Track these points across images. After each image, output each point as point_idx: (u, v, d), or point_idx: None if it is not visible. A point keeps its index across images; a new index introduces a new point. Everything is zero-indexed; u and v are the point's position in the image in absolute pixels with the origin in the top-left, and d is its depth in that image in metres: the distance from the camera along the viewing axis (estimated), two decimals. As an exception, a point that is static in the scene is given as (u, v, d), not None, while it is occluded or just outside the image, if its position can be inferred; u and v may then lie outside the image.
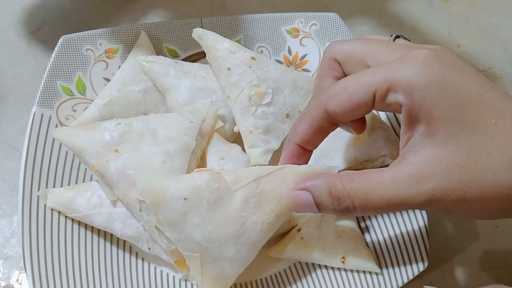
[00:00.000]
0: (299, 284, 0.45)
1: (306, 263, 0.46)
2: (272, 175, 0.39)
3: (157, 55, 0.53)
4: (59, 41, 0.50)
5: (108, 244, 0.46)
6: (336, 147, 0.48)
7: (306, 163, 0.41)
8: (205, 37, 0.50)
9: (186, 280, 0.45)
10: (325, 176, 0.36)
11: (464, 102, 0.31)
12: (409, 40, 0.43)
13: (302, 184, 0.37)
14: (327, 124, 0.38)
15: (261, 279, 0.46)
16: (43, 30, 0.62)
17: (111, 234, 0.46)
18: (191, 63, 0.52)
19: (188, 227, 0.38)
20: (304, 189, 0.36)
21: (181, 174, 0.40)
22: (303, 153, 0.40)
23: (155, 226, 0.42)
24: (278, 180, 0.38)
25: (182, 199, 0.38)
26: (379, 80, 0.34)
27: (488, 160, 0.30)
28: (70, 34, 0.51)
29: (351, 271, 0.44)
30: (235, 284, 0.45)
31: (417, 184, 0.31)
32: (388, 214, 0.45)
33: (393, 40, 0.41)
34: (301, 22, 0.55)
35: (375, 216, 0.46)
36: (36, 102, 0.47)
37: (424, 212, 0.44)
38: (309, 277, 0.45)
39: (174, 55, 0.54)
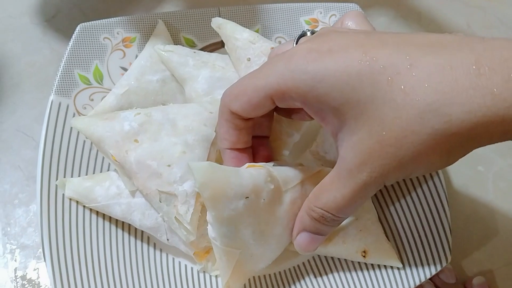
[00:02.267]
0: (318, 277, 0.44)
1: (325, 256, 0.45)
2: (312, 178, 0.40)
3: (174, 44, 0.52)
4: (77, 29, 0.50)
5: (126, 235, 0.45)
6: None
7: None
8: (225, 27, 0.49)
9: (204, 271, 0.45)
10: (301, 210, 0.38)
11: (352, 81, 0.30)
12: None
13: (294, 232, 0.39)
14: (241, 121, 0.38)
15: (279, 272, 0.45)
16: (58, 18, 0.61)
17: (129, 225, 0.45)
18: (209, 53, 0.52)
19: (242, 226, 0.37)
20: (300, 232, 0.38)
21: (235, 168, 0.38)
22: (242, 154, 0.41)
23: (175, 217, 0.42)
24: (317, 183, 0.37)
25: (244, 198, 0.36)
26: (272, 87, 0.34)
27: (401, 123, 0.29)
28: (87, 22, 0.50)
29: (372, 265, 0.44)
30: (253, 277, 0.45)
31: (358, 174, 0.32)
32: (409, 209, 0.45)
33: (297, 41, 0.40)
34: (321, 13, 0.54)
35: (396, 211, 0.45)
36: (53, 91, 0.47)
37: (446, 207, 0.43)
38: (328, 271, 0.45)
39: (191, 44, 0.53)
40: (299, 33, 0.43)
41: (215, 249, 0.39)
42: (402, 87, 0.28)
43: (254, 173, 0.37)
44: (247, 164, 0.39)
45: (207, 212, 0.37)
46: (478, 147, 0.29)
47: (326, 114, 0.32)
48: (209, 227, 0.38)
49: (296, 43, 0.39)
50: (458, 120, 0.27)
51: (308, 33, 0.40)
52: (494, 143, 0.29)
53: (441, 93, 0.27)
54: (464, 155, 0.30)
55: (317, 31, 0.40)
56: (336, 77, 0.30)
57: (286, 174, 0.39)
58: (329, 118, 0.32)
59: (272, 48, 0.48)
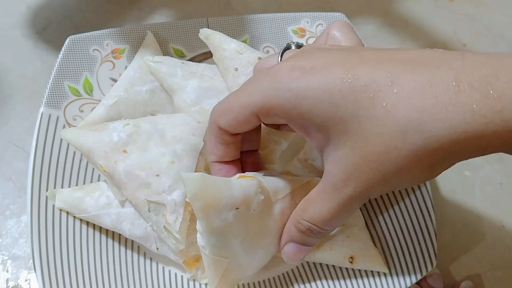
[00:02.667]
0: (306, 284, 0.45)
1: (314, 263, 0.46)
2: (302, 188, 0.40)
3: (163, 55, 0.53)
4: (66, 42, 0.50)
5: (116, 244, 0.46)
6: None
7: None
8: (212, 38, 0.50)
9: (194, 280, 0.45)
10: (289, 221, 0.38)
11: (335, 98, 0.30)
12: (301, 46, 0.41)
13: (282, 242, 0.39)
14: (229, 137, 0.39)
15: (268, 279, 0.46)
16: (49, 30, 0.62)
17: (119, 234, 0.46)
18: (198, 63, 0.52)
19: (231, 236, 0.37)
20: (287, 243, 0.39)
21: (226, 178, 0.38)
22: (229, 165, 0.41)
23: (164, 226, 0.42)
24: (306, 193, 0.37)
25: (234, 209, 0.36)
26: (256, 104, 0.34)
27: (383, 140, 0.29)
28: (77, 35, 0.51)
29: (359, 271, 0.44)
30: (242, 284, 0.45)
31: (343, 189, 0.32)
32: (396, 216, 0.45)
33: (281, 54, 0.40)
34: (307, 22, 0.55)
35: (383, 217, 0.46)
36: (43, 103, 0.47)
37: (431, 212, 0.44)
38: (316, 277, 0.45)
39: (180, 55, 0.54)
40: (286, 43, 0.43)
41: (204, 257, 0.39)
42: (384, 104, 0.29)
43: (244, 184, 0.38)
44: (238, 175, 0.39)
45: (197, 221, 0.37)
46: (459, 161, 0.30)
47: (310, 130, 0.33)
48: (199, 236, 0.38)
49: (281, 56, 0.39)
50: (439, 136, 0.27)
51: (293, 46, 0.40)
52: (474, 157, 0.29)
53: (422, 110, 0.28)
54: (447, 168, 0.31)
55: (302, 43, 0.41)
56: (318, 95, 0.31)
57: (276, 184, 0.40)
58: (314, 134, 0.33)
59: (260, 58, 0.49)
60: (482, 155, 0.29)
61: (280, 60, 0.39)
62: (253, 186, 0.38)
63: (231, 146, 0.40)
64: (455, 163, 0.30)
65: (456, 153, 0.28)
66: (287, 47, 0.40)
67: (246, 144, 0.42)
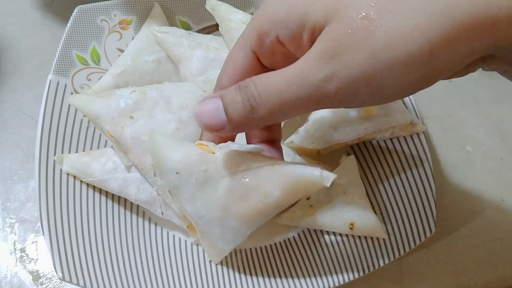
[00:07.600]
0: (308, 250, 0.46)
1: (315, 230, 0.47)
2: (262, 169, 0.36)
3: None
4: (75, 11, 0.51)
5: (122, 209, 0.47)
6: (345, 118, 0.48)
7: (281, 156, 0.39)
8: (219, 8, 0.51)
9: (197, 244, 0.46)
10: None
11: None
12: None
13: (212, 94, 0.33)
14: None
15: (270, 245, 0.47)
16: (57, 3, 0.63)
17: (125, 200, 0.47)
18: (204, 34, 0.53)
19: (182, 199, 0.39)
20: (214, 97, 0.33)
21: (184, 142, 0.39)
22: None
23: (169, 190, 0.43)
24: (266, 176, 0.36)
25: (175, 172, 0.38)
26: (249, 32, 0.33)
27: (399, 30, 0.26)
28: (85, 5, 0.51)
29: (359, 237, 0.45)
30: (245, 250, 0.46)
31: (323, 64, 0.28)
32: (396, 185, 0.46)
33: None
34: (313, -4, 0.55)
35: (384, 186, 0.47)
36: (52, 70, 0.48)
37: (431, 181, 0.45)
38: (317, 243, 0.46)
39: (186, 27, 0.55)
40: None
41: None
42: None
43: (191, 151, 0.38)
44: (197, 141, 0.39)
45: None
46: (462, 57, 0.27)
47: (301, 40, 0.30)
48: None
49: None
50: (447, 20, 0.25)
51: None
52: (479, 51, 0.27)
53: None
54: (446, 74, 0.28)
55: None
56: None
57: (231, 158, 0.37)
58: (306, 43, 0.30)
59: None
60: (486, 48, 0.27)
61: None
62: (195, 155, 0.37)
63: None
64: (457, 61, 0.27)
65: (461, 42, 0.26)
66: None
67: (270, 133, 0.40)
